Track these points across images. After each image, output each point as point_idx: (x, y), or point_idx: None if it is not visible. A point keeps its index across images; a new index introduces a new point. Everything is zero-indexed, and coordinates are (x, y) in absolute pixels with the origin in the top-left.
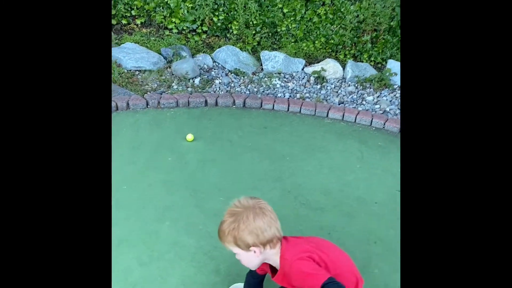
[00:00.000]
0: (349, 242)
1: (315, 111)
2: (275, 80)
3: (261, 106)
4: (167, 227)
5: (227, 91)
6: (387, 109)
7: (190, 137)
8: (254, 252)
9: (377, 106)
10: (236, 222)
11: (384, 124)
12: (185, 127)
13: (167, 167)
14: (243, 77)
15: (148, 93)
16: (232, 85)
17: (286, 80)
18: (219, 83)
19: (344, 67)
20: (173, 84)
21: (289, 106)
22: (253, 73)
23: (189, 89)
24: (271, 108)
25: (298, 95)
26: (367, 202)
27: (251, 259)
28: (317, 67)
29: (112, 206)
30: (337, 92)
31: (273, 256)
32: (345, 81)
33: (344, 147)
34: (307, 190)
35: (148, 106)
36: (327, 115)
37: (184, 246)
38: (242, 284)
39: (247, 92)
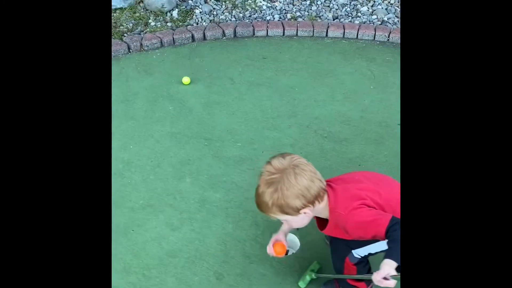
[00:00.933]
0: (382, 170)
1: (313, 31)
2: (260, 1)
3: (254, 34)
4: (189, 184)
5: (211, 21)
6: (385, 18)
7: (186, 80)
8: (305, 213)
9: (374, 17)
10: (278, 191)
11: (389, 37)
12: (178, 70)
13: (170, 118)
14: (225, 1)
15: (126, 35)
16: (215, 13)
17: None
18: (200, 12)
19: None
20: (149, 20)
21: (284, 30)
22: None
23: (169, 24)
24: (265, 35)
25: (288, 15)
26: (390, 125)
27: (303, 221)
28: None
29: (124, 169)
30: (328, 6)
31: (323, 210)
32: None
33: (353, 68)
34: (325, 121)
35: (131, 51)
36: (327, 34)
37: (214, 202)
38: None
39: (233, 19)
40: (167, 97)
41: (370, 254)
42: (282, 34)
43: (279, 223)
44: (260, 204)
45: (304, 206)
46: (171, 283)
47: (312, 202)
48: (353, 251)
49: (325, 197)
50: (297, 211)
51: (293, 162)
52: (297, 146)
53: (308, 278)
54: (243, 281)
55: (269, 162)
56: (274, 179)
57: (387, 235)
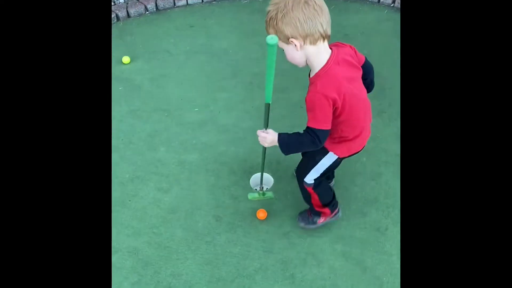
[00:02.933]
0: None
1: None
2: None
3: (175, 5)
4: (164, 152)
5: None
6: None
7: (126, 59)
8: (295, 45)
9: None
10: (274, 11)
11: None
12: (113, 51)
13: (124, 97)
14: None
15: None
16: None
17: None
18: None
19: None
20: None
21: None
22: None
23: None
24: (185, 4)
25: None
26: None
27: (293, 54)
28: None
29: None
30: None
31: (313, 57)
32: None
33: None
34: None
35: None
36: None
37: (192, 162)
38: (259, 174)
39: None
40: (114, 79)
41: (322, 174)
42: (201, 1)
43: (252, 165)
44: (265, 21)
45: (294, 37)
46: (180, 233)
47: (303, 37)
48: (304, 179)
49: (320, 44)
50: (287, 38)
51: None
52: (246, 102)
53: (256, 195)
54: (238, 217)
55: None
56: (278, 0)
57: (304, 131)
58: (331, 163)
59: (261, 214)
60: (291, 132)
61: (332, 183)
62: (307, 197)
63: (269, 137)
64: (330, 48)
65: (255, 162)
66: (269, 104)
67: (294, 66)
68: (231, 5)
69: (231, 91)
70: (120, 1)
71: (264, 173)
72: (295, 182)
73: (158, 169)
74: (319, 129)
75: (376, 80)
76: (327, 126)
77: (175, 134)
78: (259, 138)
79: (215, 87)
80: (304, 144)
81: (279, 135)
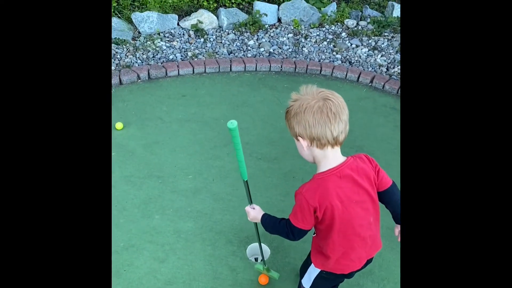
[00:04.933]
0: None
1: (219, 67)
2: (159, 42)
3: (167, 74)
4: (159, 220)
5: (117, 64)
6: (271, 50)
7: (119, 125)
8: (302, 144)
9: (262, 49)
10: (291, 106)
11: (281, 67)
12: None
13: (117, 163)
14: (125, 45)
15: None
16: (119, 56)
17: (169, 39)
18: None
19: (217, 16)
20: None
21: (194, 69)
22: (133, 39)
23: None
24: (177, 74)
25: (189, 53)
26: None
27: (300, 150)
28: (192, 20)
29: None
30: (221, 42)
31: (318, 159)
32: (222, 30)
33: (261, 97)
34: (255, 145)
35: None
36: (231, 69)
37: (188, 231)
38: (256, 244)
39: (139, 61)
40: None
41: (314, 285)
42: (192, 72)
43: (247, 235)
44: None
45: (301, 136)
46: None
47: (310, 140)
48: (302, 280)
49: (328, 150)
50: (295, 135)
51: (322, 96)
52: (235, 170)
53: (261, 268)
54: None
55: (308, 85)
56: (296, 98)
57: (285, 220)
58: (317, 272)
59: (263, 279)
60: (275, 217)
61: None
62: None
63: (252, 214)
64: (346, 157)
65: (251, 232)
66: (246, 181)
67: (282, 136)
68: (221, 77)
69: (223, 159)
70: (112, 68)
71: (263, 244)
72: (292, 254)
73: (153, 237)
74: (295, 226)
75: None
76: (304, 226)
77: (169, 201)
78: (247, 214)
79: (208, 154)
80: (281, 233)
81: (263, 216)
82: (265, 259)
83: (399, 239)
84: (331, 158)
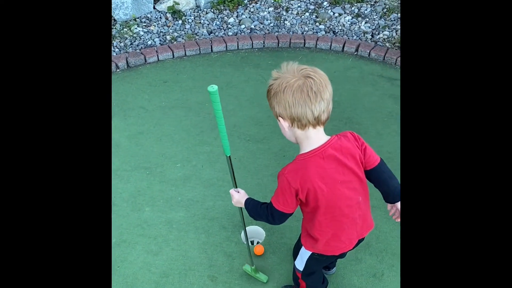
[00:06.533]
0: None
1: (199, 49)
2: (136, 28)
3: (146, 61)
4: (149, 212)
5: None
6: (252, 26)
7: None
8: (283, 123)
9: (243, 26)
10: (271, 86)
11: (264, 43)
12: None
13: None
14: None
15: None
16: None
17: (145, 24)
18: None
19: None
20: None
21: (174, 53)
22: None
23: None
24: (156, 60)
25: (168, 37)
26: None
27: (282, 130)
28: (168, 2)
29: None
30: (200, 22)
31: (300, 140)
32: (200, 10)
33: (246, 76)
34: (243, 127)
35: None
36: (212, 50)
37: (180, 221)
38: (250, 227)
39: (117, 49)
40: None
41: (310, 268)
42: (172, 56)
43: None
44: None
45: (281, 117)
46: None
47: (291, 120)
48: (295, 262)
49: (309, 130)
50: (276, 115)
51: (304, 74)
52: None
53: (249, 269)
54: (233, 276)
55: (288, 62)
56: (276, 76)
57: (267, 204)
58: (309, 254)
59: (258, 249)
60: (258, 201)
61: (332, 271)
62: (295, 279)
63: (235, 197)
64: (330, 137)
65: (245, 215)
66: (229, 156)
67: (270, 116)
68: (202, 59)
69: (211, 144)
70: None
71: (255, 226)
72: (288, 234)
73: (145, 230)
74: (276, 209)
75: (350, 126)
76: (285, 209)
77: (159, 192)
78: (231, 197)
79: (195, 141)
80: (261, 217)
81: (246, 200)
82: (260, 241)
83: (395, 218)
84: (313, 138)
